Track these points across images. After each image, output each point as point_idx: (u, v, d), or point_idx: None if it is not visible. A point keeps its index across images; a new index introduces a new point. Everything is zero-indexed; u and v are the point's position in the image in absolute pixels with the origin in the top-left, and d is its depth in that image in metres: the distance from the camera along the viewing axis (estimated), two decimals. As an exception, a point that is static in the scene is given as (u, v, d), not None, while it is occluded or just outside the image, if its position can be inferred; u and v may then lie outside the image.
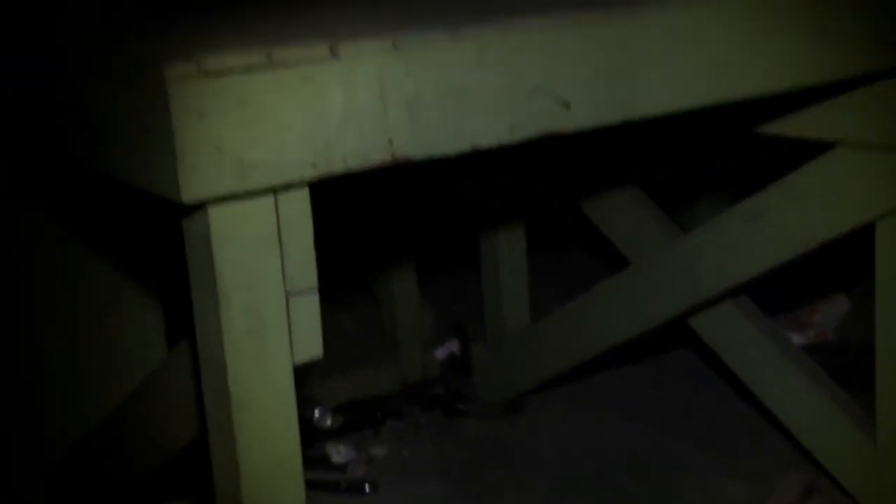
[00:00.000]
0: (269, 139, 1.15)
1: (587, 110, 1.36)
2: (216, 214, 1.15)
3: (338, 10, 1.48)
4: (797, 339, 2.56)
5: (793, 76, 1.48)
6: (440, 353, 2.65)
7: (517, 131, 1.31)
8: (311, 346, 1.25)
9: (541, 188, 2.40)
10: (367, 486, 2.16)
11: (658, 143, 2.17)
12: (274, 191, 1.18)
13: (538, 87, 1.31)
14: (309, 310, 1.23)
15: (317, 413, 2.19)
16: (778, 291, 2.22)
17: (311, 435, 2.10)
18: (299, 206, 1.21)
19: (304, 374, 1.27)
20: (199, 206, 1.15)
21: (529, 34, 1.30)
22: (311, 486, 1.32)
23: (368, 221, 2.59)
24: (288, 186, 1.18)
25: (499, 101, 1.29)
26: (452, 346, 2.64)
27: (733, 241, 1.92)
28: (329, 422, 2.20)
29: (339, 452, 2.27)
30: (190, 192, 1.11)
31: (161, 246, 1.64)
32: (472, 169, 2.15)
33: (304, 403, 1.99)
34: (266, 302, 1.20)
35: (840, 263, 2.34)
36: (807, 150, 1.78)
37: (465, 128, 1.28)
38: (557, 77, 1.32)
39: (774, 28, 1.44)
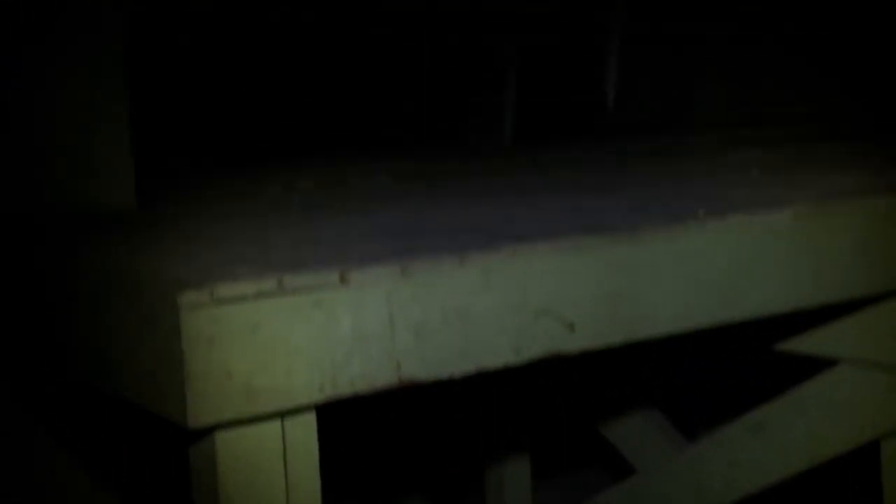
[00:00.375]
0: (278, 364, 1.16)
1: (591, 332, 1.37)
2: (222, 439, 1.15)
3: (349, 231, 1.52)
4: (805, 549, 2.51)
5: (792, 298, 1.50)
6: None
7: (522, 352, 1.33)
8: (313, 570, 1.23)
9: (548, 403, 2.41)
10: None
11: (667, 359, 2.18)
12: (281, 414, 1.18)
13: (543, 310, 1.33)
14: (312, 534, 1.22)
15: None
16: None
17: None
18: (306, 429, 1.21)
19: None
20: (206, 431, 1.15)
21: (534, 259, 1.32)
22: None
23: (370, 439, 2.58)
24: (295, 410, 1.19)
25: (504, 323, 1.31)
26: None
27: (738, 452, 1.91)
28: None
29: None
30: (197, 418, 1.11)
31: (163, 467, 1.63)
32: (480, 388, 2.16)
33: None
34: (269, 527, 1.19)
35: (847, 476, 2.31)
36: (814, 364, 1.79)
37: (471, 350, 1.29)
38: (561, 299, 1.34)
39: (774, 253, 1.47)
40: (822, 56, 3.37)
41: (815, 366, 1.77)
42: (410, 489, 2.57)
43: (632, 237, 1.38)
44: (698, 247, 1.42)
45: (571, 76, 3.93)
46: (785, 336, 1.77)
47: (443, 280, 1.26)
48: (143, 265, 1.30)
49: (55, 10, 1.93)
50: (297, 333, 1.17)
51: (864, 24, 3.28)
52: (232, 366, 1.13)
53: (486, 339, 1.30)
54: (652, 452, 2.14)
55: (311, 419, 1.21)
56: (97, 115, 1.99)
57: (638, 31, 3.81)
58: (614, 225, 1.42)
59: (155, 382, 1.17)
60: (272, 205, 1.93)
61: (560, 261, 1.34)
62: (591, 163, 2.38)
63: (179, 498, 1.31)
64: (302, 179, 2.33)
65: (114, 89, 1.99)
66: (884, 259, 1.53)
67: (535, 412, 2.44)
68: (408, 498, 2.55)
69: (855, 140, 2.66)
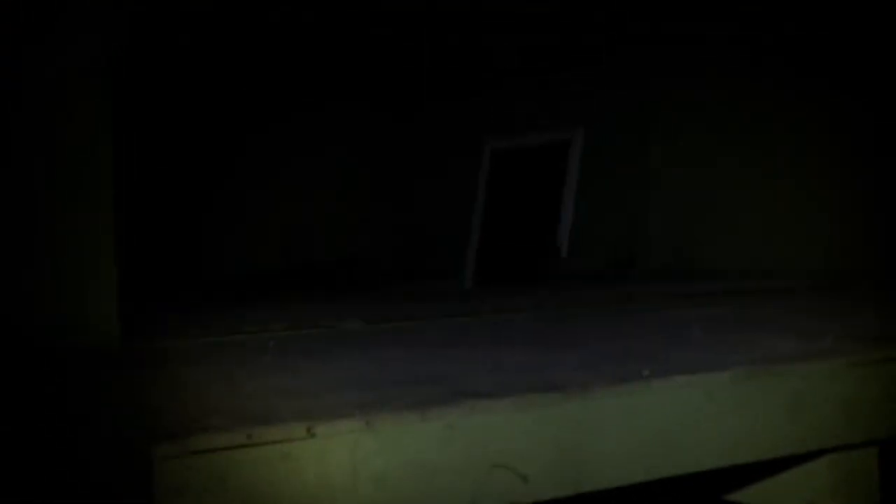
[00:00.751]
0: (244, 514, 1.13)
1: (543, 484, 1.35)
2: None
3: (318, 380, 1.50)
4: None
5: (729, 455, 1.49)
6: None
7: (478, 503, 1.30)
8: None
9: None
10: None
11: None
12: (245, 564, 1.14)
13: (499, 463, 1.31)
14: None
15: None
16: None
17: None
18: (268, 578, 1.17)
19: None
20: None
21: (491, 415, 1.31)
22: None
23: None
24: (258, 560, 1.15)
25: (462, 475, 1.28)
26: None
27: None
28: None
29: None
30: (164, 567, 1.07)
31: None
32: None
33: None
34: None
35: None
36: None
37: (430, 500, 1.26)
38: (516, 453, 1.32)
39: (713, 412, 1.46)
40: (759, 208, 3.38)
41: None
42: None
43: (582, 396, 1.37)
44: (643, 406, 1.41)
45: (528, 227, 3.97)
46: (733, 487, 1.76)
47: (405, 434, 1.24)
48: (121, 412, 1.28)
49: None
50: (264, 484, 1.14)
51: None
52: (200, 516, 1.10)
53: (445, 489, 1.27)
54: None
55: (273, 568, 1.17)
56: (87, 260, 1.98)
57: (590, 177, 3.87)
58: (566, 383, 1.41)
59: (125, 528, 1.14)
60: (248, 348, 1.91)
61: (516, 417, 1.32)
62: (546, 314, 2.39)
63: None
64: (277, 321, 2.31)
65: (104, 238, 1.99)
66: (815, 420, 1.53)
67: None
68: None
69: (789, 297, 2.69)
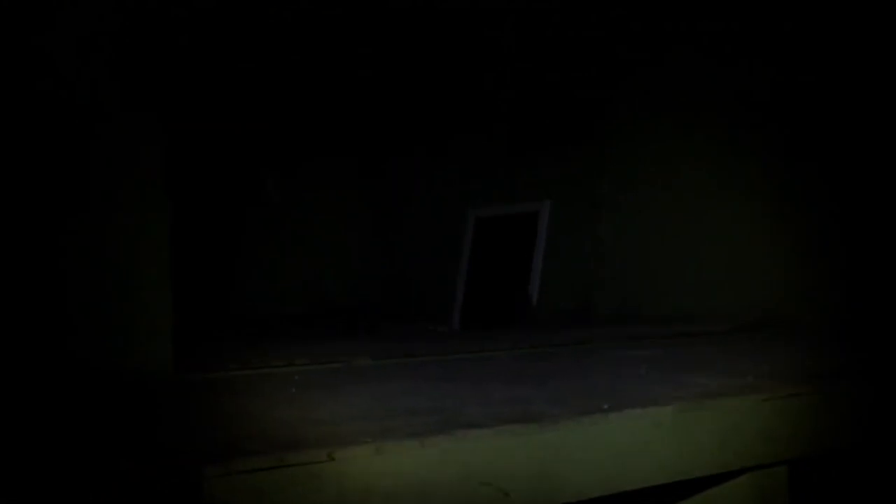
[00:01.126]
0: (276, 524, 1.11)
1: (522, 499, 1.33)
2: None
3: (336, 411, 1.49)
4: None
5: (672, 473, 1.49)
6: None
7: (468, 516, 1.29)
8: None
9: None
10: None
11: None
12: (277, 566, 1.12)
13: (485, 481, 1.30)
14: None
15: None
16: None
17: None
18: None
19: None
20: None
21: (479, 441, 1.30)
22: None
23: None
24: (288, 562, 1.13)
25: (455, 492, 1.27)
26: None
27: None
28: None
29: None
30: (210, 570, 1.06)
31: None
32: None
33: None
34: None
35: None
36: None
37: (429, 513, 1.25)
38: (500, 473, 1.31)
39: (659, 438, 1.46)
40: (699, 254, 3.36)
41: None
42: None
43: (554, 425, 1.37)
44: (603, 433, 1.41)
45: (506, 280, 3.99)
46: (674, 499, 1.74)
47: (408, 458, 1.23)
48: (175, 435, 1.27)
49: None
50: (293, 500, 1.13)
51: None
52: (240, 526, 1.09)
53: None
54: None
55: (300, 570, 1.15)
56: (147, 300, 1.95)
57: (555, 240, 3.88)
58: (541, 414, 1.40)
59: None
60: (277, 380, 1.89)
61: (499, 443, 1.32)
62: (522, 354, 2.38)
63: None
64: (300, 357, 2.30)
65: (161, 279, 1.96)
66: (738, 445, 1.53)
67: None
68: None
69: (720, 339, 2.68)
